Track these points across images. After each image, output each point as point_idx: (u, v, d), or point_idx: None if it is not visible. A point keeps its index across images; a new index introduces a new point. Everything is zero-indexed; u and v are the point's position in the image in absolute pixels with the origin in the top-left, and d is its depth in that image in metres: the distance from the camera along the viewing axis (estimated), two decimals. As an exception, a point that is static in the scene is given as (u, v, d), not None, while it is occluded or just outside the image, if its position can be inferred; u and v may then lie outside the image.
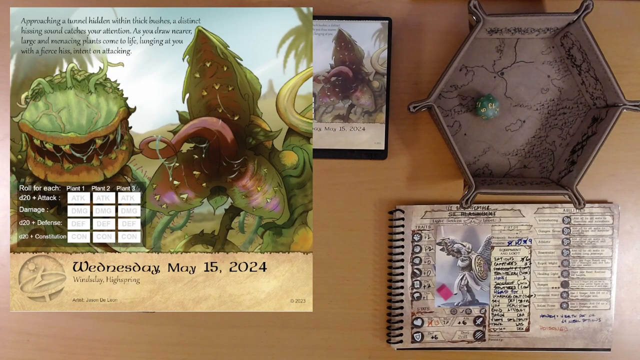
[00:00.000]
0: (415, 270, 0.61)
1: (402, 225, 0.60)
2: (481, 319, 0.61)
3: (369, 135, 0.59)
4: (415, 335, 0.61)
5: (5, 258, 0.64)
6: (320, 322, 0.62)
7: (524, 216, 0.60)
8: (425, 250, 0.61)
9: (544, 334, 0.61)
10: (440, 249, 0.61)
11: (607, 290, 0.60)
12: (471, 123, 0.60)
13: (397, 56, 0.60)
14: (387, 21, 0.58)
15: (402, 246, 0.61)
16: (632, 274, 0.61)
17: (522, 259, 0.61)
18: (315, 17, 0.58)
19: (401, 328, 0.61)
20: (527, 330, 0.61)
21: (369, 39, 0.58)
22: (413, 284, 0.61)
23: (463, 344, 0.61)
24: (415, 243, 0.61)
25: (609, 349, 0.60)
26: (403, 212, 0.60)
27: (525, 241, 0.61)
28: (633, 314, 0.61)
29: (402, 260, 0.61)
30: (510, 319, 0.61)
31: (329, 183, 0.61)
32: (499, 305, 0.61)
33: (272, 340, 0.63)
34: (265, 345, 0.63)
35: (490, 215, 0.60)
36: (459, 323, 0.61)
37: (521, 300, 0.61)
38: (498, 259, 0.61)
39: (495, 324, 0.61)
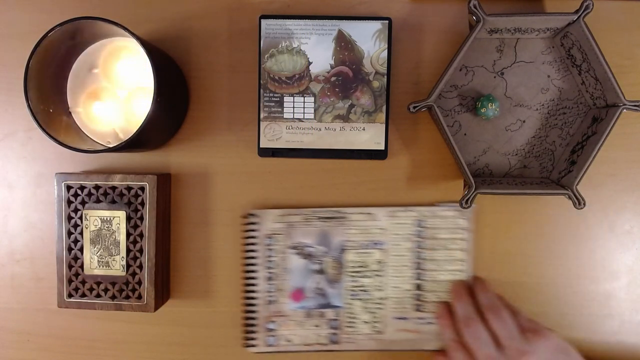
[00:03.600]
0: (269, 274, 0.61)
1: (255, 230, 0.61)
2: (335, 322, 0.61)
3: (369, 135, 0.59)
4: (269, 338, 0.61)
5: (5, 258, 0.64)
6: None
7: (377, 220, 0.60)
8: (279, 254, 0.61)
9: (399, 336, 0.61)
10: (294, 253, 0.60)
11: None
12: (471, 123, 0.60)
13: (397, 56, 0.60)
14: (387, 21, 0.58)
15: (256, 250, 0.61)
16: (632, 273, 0.61)
17: (376, 261, 0.61)
18: (315, 17, 0.58)
19: (255, 332, 0.61)
20: (382, 332, 0.61)
21: (369, 39, 0.58)
22: (267, 288, 0.61)
23: (318, 347, 0.61)
24: (269, 247, 0.61)
25: None
26: (256, 216, 0.61)
27: (378, 244, 0.60)
28: (633, 314, 0.61)
29: (255, 264, 0.61)
30: (365, 322, 0.61)
31: (329, 183, 0.61)
32: (353, 308, 0.61)
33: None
34: (265, 345, 0.63)
35: (343, 219, 0.60)
36: (314, 326, 0.61)
37: (375, 303, 0.61)
38: (351, 262, 0.60)
39: (349, 327, 0.61)
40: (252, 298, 0.61)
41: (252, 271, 0.61)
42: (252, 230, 0.61)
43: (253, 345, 0.61)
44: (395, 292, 0.61)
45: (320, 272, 0.61)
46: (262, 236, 0.61)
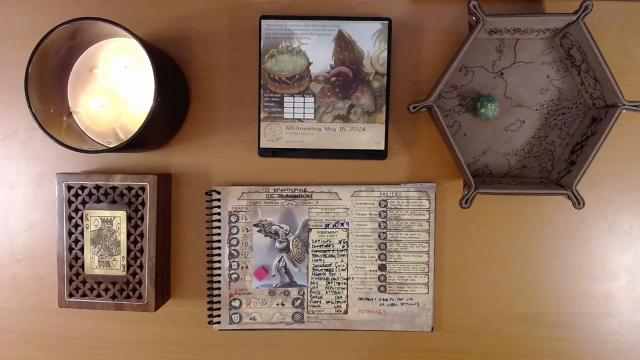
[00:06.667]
0: (232, 252, 0.61)
1: (219, 207, 0.61)
2: (300, 300, 0.61)
3: (369, 135, 0.59)
4: (233, 316, 0.61)
5: (5, 258, 0.64)
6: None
7: (340, 199, 0.60)
8: (243, 231, 0.61)
9: (362, 317, 0.61)
10: (258, 231, 0.61)
11: (425, 274, 0.61)
12: (471, 123, 0.60)
13: (397, 56, 0.60)
14: (387, 21, 0.58)
15: (219, 227, 0.61)
16: (632, 273, 0.61)
17: (340, 241, 0.61)
18: (315, 18, 0.58)
19: (219, 309, 0.61)
20: (346, 312, 0.61)
21: (369, 39, 0.58)
22: (230, 265, 0.61)
23: (282, 326, 0.61)
24: (232, 224, 0.61)
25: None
26: (219, 193, 0.61)
27: (342, 224, 0.61)
28: (632, 314, 0.61)
29: (220, 241, 0.61)
30: (329, 301, 0.61)
31: (329, 183, 0.61)
32: (317, 288, 0.61)
33: (273, 340, 0.63)
34: (265, 345, 0.63)
35: (307, 198, 0.60)
36: (278, 305, 0.61)
37: (339, 283, 0.61)
38: (316, 241, 0.61)
39: (313, 306, 0.61)
40: (216, 275, 0.61)
41: (216, 248, 0.61)
42: (216, 207, 0.61)
43: (217, 323, 0.61)
44: (359, 272, 0.61)
45: (285, 250, 0.61)
46: (225, 213, 0.61)
